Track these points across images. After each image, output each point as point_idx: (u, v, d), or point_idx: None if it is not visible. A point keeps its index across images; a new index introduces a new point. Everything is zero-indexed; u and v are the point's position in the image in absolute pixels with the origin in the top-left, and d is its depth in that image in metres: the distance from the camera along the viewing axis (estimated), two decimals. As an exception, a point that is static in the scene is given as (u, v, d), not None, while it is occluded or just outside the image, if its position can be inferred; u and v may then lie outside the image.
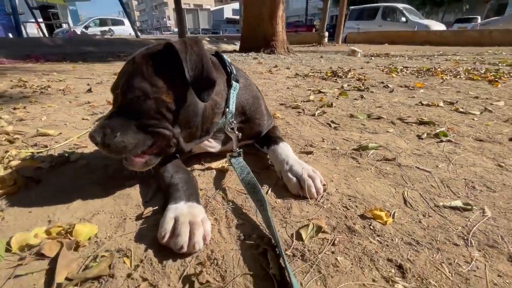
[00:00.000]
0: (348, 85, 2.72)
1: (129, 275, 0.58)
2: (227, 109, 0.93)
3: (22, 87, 2.73)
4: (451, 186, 0.92)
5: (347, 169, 1.06)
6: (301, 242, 0.68)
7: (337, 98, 2.22)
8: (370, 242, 0.68)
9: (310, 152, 1.20)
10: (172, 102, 0.77)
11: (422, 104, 1.96)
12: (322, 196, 0.87)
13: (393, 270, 0.60)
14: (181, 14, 10.70)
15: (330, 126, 1.56)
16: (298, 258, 0.63)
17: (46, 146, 1.27)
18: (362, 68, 4.02)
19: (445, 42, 9.94)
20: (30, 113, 1.84)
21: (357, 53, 5.80)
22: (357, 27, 14.86)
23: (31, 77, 3.28)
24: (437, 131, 1.40)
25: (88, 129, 1.51)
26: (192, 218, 0.67)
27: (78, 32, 14.52)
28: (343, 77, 3.25)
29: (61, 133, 1.45)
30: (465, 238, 0.68)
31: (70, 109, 1.97)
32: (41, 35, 10.92)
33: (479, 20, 17.02)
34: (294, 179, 0.88)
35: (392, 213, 0.78)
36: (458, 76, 3.07)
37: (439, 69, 3.59)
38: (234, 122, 0.96)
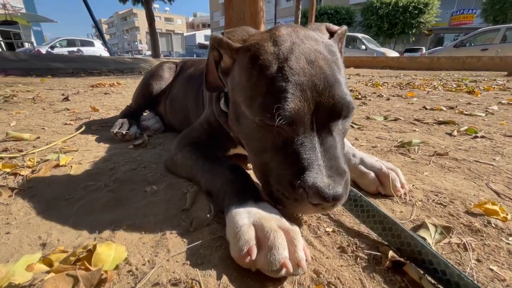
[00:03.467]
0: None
1: (214, 325, 0.33)
2: None
3: (-21, 96, 2.26)
4: (531, 176, 0.80)
5: (406, 164, 0.90)
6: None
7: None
8: (508, 243, 0.51)
9: (354, 150, 1.03)
10: None
11: (426, 109, 1.94)
12: (405, 193, 0.69)
13: None
14: (155, 37, 10.50)
15: (353, 127, 1.42)
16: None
17: (21, 151, 0.94)
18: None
19: (402, 66, 10.88)
20: (-7, 118, 1.46)
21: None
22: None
23: (-10, 88, 2.79)
24: (462, 129, 1.33)
25: (74, 133, 1.21)
26: (280, 223, 0.45)
27: (43, 52, 13.54)
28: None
29: (39, 137, 1.12)
30: None
31: (45, 115, 1.61)
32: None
33: (424, 50, 19.17)
34: (371, 173, 0.70)
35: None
36: (437, 89, 3.22)
37: (416, 84, 3.78)
38: None
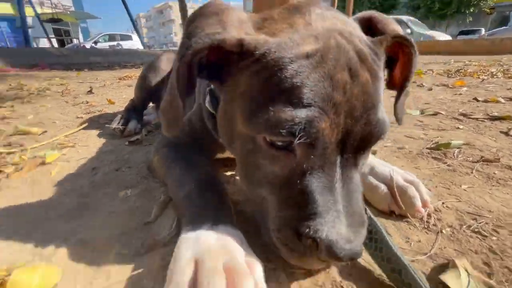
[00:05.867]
0: (376, 85, 2.41)
1: None
2: None
3: (18, 90, 2.47)
4: None
5: (437, 173, 0.73)
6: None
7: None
8: None
9: (373, 152, 0.87)
10: None
11: (478, 100, 1.63)
12: (429, 214, 0.54)
13: None
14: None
15: (379, 122, 1.23)
16: None
17: (21, 145, 0.96)
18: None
19: (456, 51, 9.72)
20: (17, 112, 1.55)
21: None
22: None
23: (31, 82, 3.05)
24: (524, 126, 1.07)
25: (82, 126, 1.22)
26: (230, 259, 0.34)
27: (88, 47, 14.71)
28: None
29: (46, 132, 1.15)
30: None
31: (64, 108, 1.68)
32: (51, 48, 11.00)
33: (483, 32, 16.88)
34: (383, 186, 0.55)
35: None
36: (495, 76, 2.75)
37: (468, 71, 3.28)
38: None
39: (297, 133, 0.32)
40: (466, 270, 0.38)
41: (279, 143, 0.35)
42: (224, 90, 0.42)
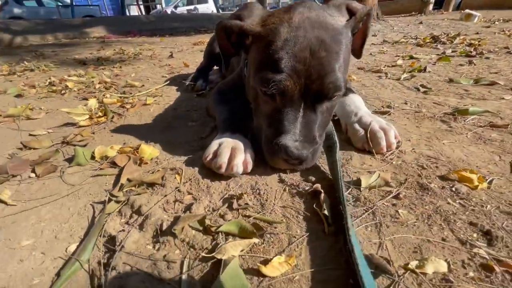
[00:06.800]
0: (452, 51, 2.25)
1: (177, 188, 0.64)
2: None
3: (121, 54, 3.26)
4: None
5: (433, 131, 0.89)
6: (357, 189, 0.62)
7: (433, 64, 1.88)
8: (448, 203, 0.57)
9: (386, 112, 1.06)
10: None
11: None
12: (392, 153, 0.77)
13: (475, 235, 0.49)
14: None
15: (419, 90, 1.33)
16: (351, 203, 0.58)
17: (130, 93, 1.49)
18: (477, 33, 3.25)
19: None
20: (124, 71, 2.19)
21: (474, 18, 4.69)
22: (480, -11, 11.96)
23: (128, 47, 3.89)
24: None
25: (166, 83, 1.71)
26: (235, 145, 0.69)
27: (169, 12, 16.32)
28: (447, 43, 2.70)
29: (143, 85, 1.68)
30: None
31: (153, 69, 2.25)
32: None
33: None
34: (361, 130, 0.80)
35: (489, 180, 0.63)
36: None
37: None
38: None
39: (275, 87, 0.62)
40: (383, 178, 0.63)
41: (268, 92, 0.65)
42: (247, 59, 0.74)
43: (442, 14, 9.08)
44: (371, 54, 2.41)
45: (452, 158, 0.73)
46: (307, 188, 0.63)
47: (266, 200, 0.59)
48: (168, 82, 1.76)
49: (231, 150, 0.67)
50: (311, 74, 0.61)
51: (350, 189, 0.62)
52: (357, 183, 0.63)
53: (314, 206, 0.56)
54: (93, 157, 0.80)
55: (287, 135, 0.63)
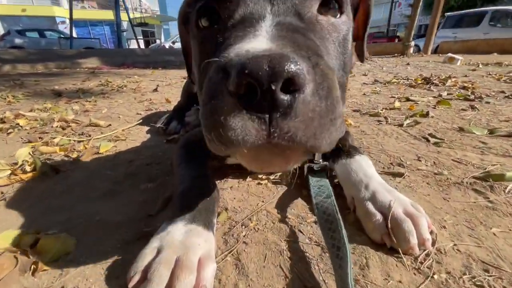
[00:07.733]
0: (448, 94, 2.11)
1: None
2: None
3: (104, 86, 3.04)
4: None
5: (470, 209, 0.64)
6: None
7: (434, 107, 1.70)
8: None
9: (400, 175, 0.81)
10: None
11: None
12: (428, 254, 0.49)
13: None
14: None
15: (428, 141, 1.11)
16: None
17: (89, 135, 1.22)
18: (466, 76, 3.19)
19: None
20: (97, 106, 1.93)
21: (456, 61, 4.77)
22: (454, 36, 12.79)
23: (115, 79, 3.69)
24: None
25: (138, 122, 1.45)
26: (183, 255, 0.40)
27: (167, 46, 16.75)
28: (440, 85, 2.59)
29: (110, 125, 1.41)
30: None
31: (131, 104, 2.01)
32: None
33: None
34: (378, 215, 0.53)
35: None
36: None
37: None
38: None
39: None
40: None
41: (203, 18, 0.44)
42: None
43: (422, 56, 9.50)
44: (364, 94, 2.25)
45: (519, 266, 0.47)
46: None
47: None
48: (141, 121, 1.50)
49: (173, 267, 0.39)
50: None
51: None
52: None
53: None
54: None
55: (243, 41, 0.32)
